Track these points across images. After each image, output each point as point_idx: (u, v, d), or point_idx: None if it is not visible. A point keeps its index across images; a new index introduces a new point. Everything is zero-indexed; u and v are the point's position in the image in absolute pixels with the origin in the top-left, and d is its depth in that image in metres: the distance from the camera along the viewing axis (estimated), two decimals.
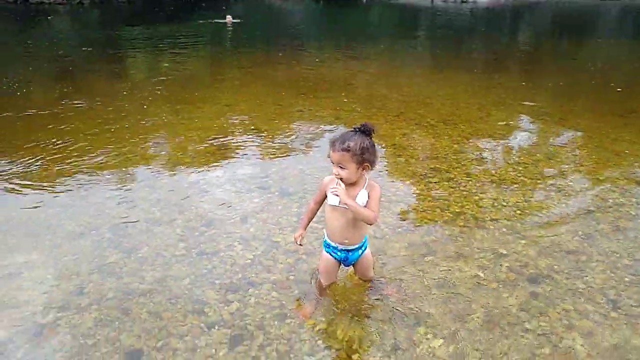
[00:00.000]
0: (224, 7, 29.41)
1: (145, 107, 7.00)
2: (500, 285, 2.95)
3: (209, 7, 29.16)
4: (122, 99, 7.51)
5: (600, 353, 2.42)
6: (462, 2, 33.41)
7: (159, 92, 7.96)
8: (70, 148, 5.28)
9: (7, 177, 4.55)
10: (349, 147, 2.41)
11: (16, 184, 4.41)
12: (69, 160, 4.93)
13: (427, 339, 2.50)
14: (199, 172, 4.71)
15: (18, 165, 4.81)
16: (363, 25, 22.68)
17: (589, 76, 9.96)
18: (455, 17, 24.24)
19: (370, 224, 2.61)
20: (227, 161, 5.00)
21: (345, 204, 2.46)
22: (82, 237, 3.53)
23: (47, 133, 5.76)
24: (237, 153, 5.23)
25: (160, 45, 13.78)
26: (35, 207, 4.01)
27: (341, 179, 2.48)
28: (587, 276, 3.04)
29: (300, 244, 2.80)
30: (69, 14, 26.55)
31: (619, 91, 8.29)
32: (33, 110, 6.68)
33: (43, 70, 10.33)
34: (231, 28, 18.42)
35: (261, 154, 5.21)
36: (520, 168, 4.79)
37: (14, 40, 15.64)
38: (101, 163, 4.91)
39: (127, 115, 6.58)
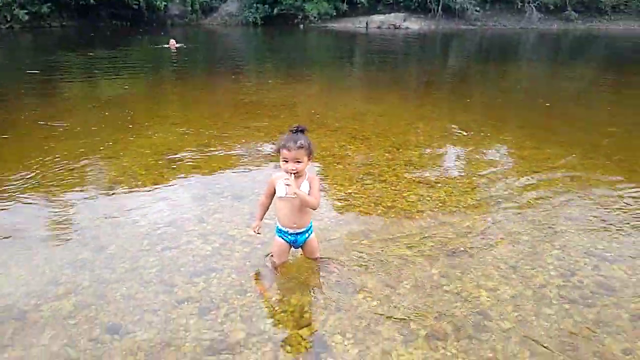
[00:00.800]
0: (162, 33, 29.48)
1: (94, 128, 7.22)
2: (425, 260, 3.53)
3: (147, 32, 29.17)
4: (69, 121, 7.68)
5: (500, 302, 3.03)
6: (395, 28, 35.15)
7: (107, 114, 8.19)
8: (32, 165, 5.48)
9: None
10: (302, 144, 2.95)
11: None
12: (31, 177, 5.14)
13: (366, 301, 3.03)
14: (154, 182, 5.05)
15: None
16: (301, 50, 23.54)
17: (513, 95, 11.09)
18: (389, 42, 25.63)
19: (314, 209, 3.13)
20: (179, 172, 5.36)
21: (295, 193, 2.97)
22: (51, 239, 3.82)
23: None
24: (188, 164, 5.61)
25: (105, 70, 13.86)
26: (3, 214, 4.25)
27: (296, 172, 2.99)
28: (493, 250, 3.69)
29: (258, 233, 3.30)
30: None
31: (547, 105, 9.39)
32: None
33: None
34: (175, 53, 18.57)
35: (211, 165, 5.61)
36: (442, 169, 5.49)
37: None
38: (63, 178, 5.15)
39: (77, 136, 6.81)
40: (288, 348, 2.64)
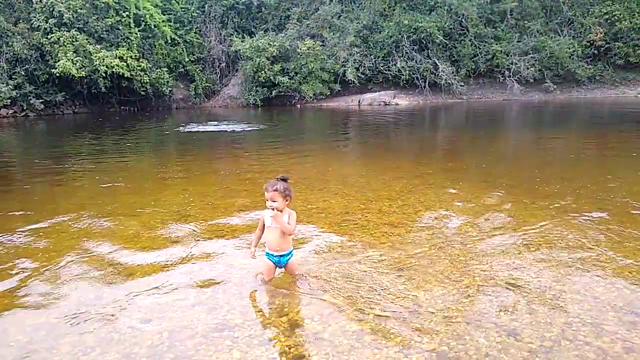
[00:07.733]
0: (166, 116, 31.69)
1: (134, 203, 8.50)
2: (378, 274, 4.64)
3: (152, 116, 31.36)
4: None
5: (429, 294, 4.12)
6: (386, 104, 37.32)
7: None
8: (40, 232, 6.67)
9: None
10: (276, 188, 4.19)
11: None
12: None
13: (330, 298, 4.13)
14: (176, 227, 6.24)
15: None
16: (298, 126, 25.42)
17: (485, 157, 12.48)
18: (380, 117, 27.55)
19: (290, 234, 4.31)
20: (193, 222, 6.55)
21: (276, 220, 4.17)
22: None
23: None
24: (199, 217, 6.80)
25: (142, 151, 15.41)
26: None
27: (273, 208, 4.21)
28: (432, 267, 4.79)
29: (254, 257, 4.48)
30: (14, 126, 27.72)
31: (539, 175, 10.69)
32: None
33: None
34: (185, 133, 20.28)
35: (215, 215, 6.80)
36: (405, 215, 6.66)
37: None
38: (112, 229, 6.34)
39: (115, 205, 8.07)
40: (273, 328, 3.73)
